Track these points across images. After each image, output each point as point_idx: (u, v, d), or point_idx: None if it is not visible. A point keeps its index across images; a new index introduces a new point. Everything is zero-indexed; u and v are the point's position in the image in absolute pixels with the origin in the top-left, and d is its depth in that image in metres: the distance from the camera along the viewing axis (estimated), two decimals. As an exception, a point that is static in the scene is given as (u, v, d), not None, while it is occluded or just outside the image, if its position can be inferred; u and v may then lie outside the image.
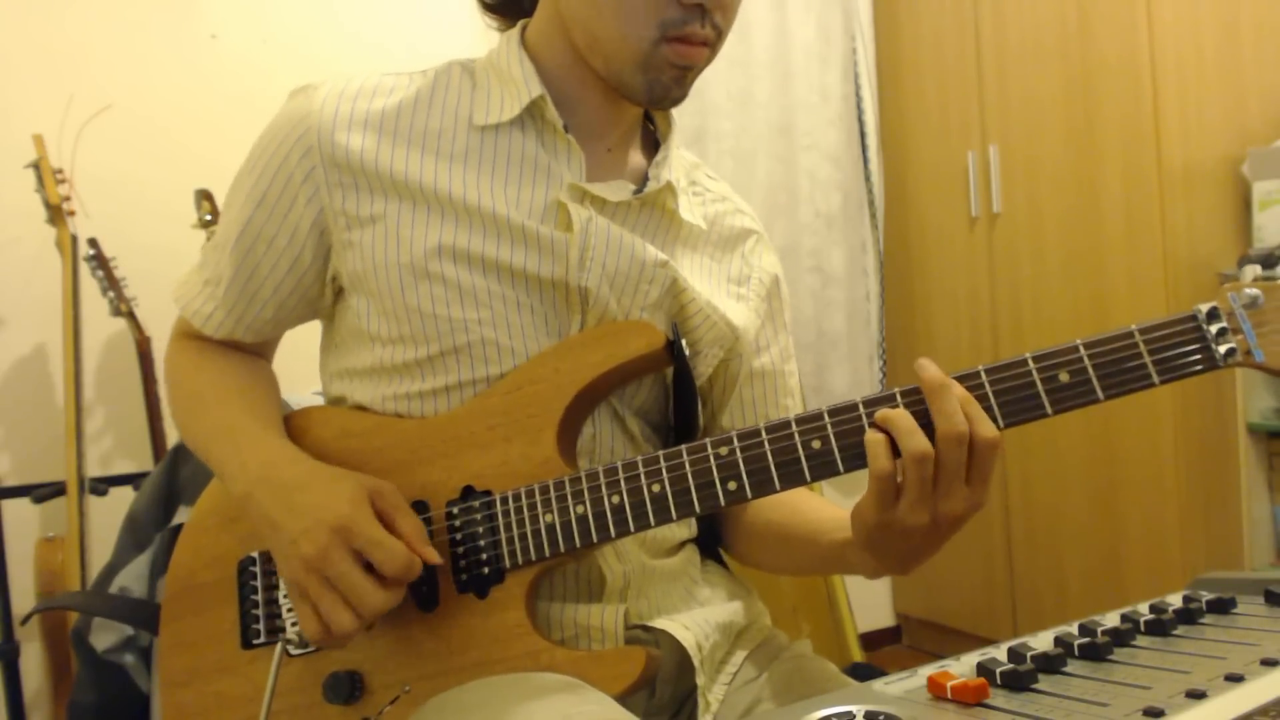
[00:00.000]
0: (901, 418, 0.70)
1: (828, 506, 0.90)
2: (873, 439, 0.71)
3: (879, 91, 2.99)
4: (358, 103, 0.86)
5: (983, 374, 0.72)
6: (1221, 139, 2.29)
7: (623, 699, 0.76)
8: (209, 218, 2.03)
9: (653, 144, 0.96)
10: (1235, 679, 0.52)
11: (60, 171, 1.98)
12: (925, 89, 2.86)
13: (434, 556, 0.79)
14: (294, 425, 0.90)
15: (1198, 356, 0.69)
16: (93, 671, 1.13)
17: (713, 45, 0.84)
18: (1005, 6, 2.59)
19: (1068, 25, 2.42)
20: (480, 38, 2.14)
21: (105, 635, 1.12)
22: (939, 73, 2.81)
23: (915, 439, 0.69)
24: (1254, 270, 2.08)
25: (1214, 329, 0.69)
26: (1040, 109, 2.51)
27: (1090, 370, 0.70)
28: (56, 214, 1.98)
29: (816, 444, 0.74)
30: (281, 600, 0.86)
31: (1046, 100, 2.49)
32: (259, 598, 0.87)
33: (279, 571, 0.82)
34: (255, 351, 0.98)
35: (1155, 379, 0.70)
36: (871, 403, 0.73)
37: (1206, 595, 0.68)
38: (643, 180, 0.91)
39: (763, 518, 0.94)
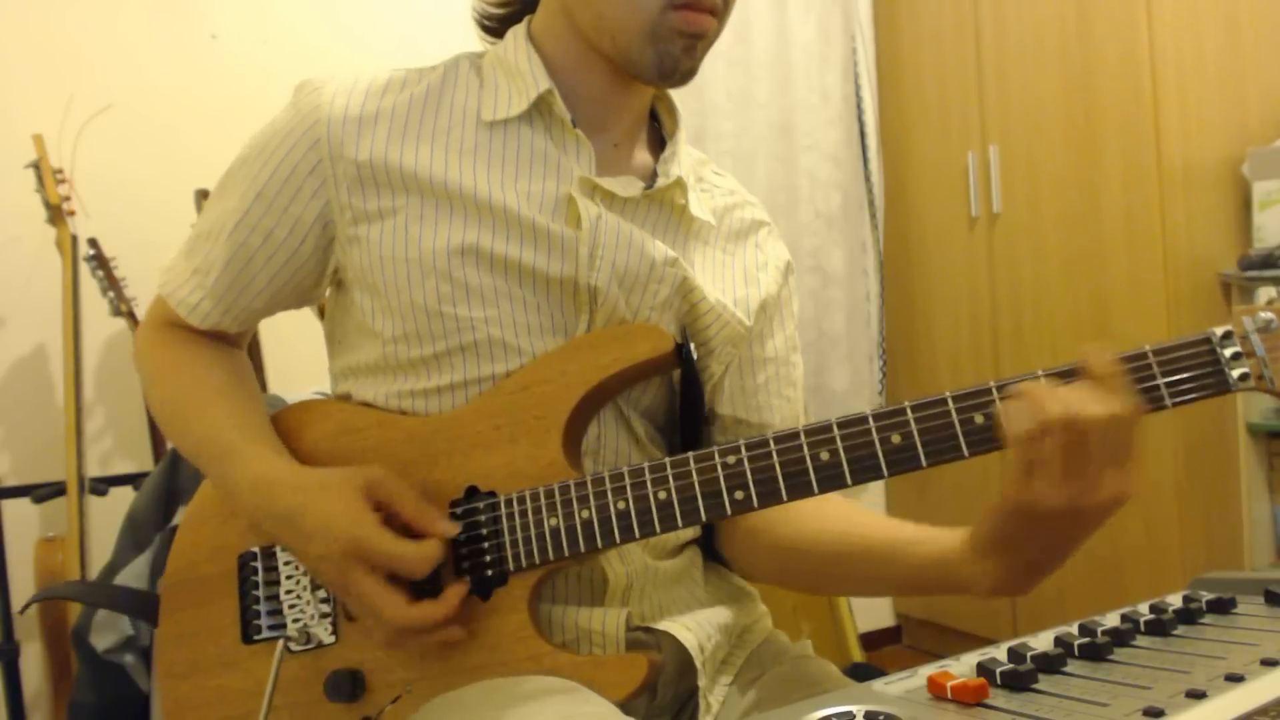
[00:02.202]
0: (1034, 387, 0.66)
1: (893, 521, 0.83)
2: (1007, 406, 0.67)
3: (879, 91, 2.99)
4: (368, 98, 0.85)
5: (994, 389, 0.70)
6: (1221, 139, 2.29)
7: (623, 705, 0.75)
8: (209, 217, 2.03)
9: (659, 142, 0.96)
10: (1235, 679, 0.52)
11: (60, 171, 1.98)
12: (925, 89, 2.86)
13: (448, 530, 0.79)
14: (293, 419, 0.90)
15: (1211, 380, 0.68)
16: (93, 671, 1.12)
17: (720, 15, 0.83)
18: (1005, 6, 2.59)
19: (1068, 25, 2.42)
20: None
21: (105, 635, 1.12)
22: (939, 73, 2.81)
23: (1051, 405, 0.64)
24: (1269, 292, 2.08)
25: (1228, 352, 0.68)
26: (1040, 109, 2.51)
27: None
28: (56, 214, 1.97)
29: (825, 455, 0.73)
30: (283, 596, 0.86)
31: (1046, 100, 2.49)
32: (260, 593, 0.87)
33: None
34: (232, 342, 0.97)
35: (1168, 401, 0.68)
36: (881, 415, 0.72)
37: (1206, 595, 0.68)
38: (651, 176, 0.91)
39: (807, 530, 0.86)
